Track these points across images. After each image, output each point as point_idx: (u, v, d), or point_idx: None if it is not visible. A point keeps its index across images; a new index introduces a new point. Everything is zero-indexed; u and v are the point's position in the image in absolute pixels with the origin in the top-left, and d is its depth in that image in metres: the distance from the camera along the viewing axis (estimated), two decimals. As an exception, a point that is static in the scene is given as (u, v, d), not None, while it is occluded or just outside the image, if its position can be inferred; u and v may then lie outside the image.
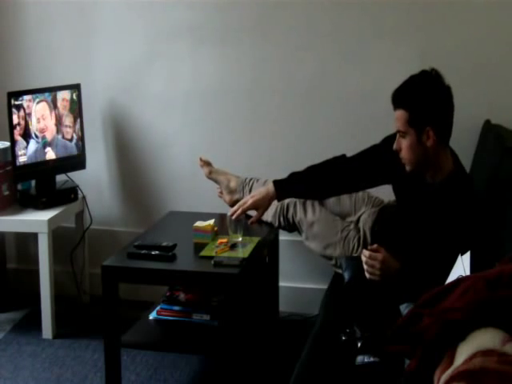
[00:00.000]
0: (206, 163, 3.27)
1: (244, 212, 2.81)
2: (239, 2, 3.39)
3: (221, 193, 3.25)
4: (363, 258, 2.35)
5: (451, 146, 2.50)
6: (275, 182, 2.80)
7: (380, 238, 2.81)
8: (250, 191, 3.12)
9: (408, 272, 2.31)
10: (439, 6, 3.21)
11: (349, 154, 2.80)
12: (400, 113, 2.39)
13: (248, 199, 2.81)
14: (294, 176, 2.81)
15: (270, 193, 2.79)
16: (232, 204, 3.06)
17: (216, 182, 3.25)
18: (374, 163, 2.69)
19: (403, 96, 2.39)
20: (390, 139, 2.52)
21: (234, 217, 2.79)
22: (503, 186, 2.45)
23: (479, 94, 3.22)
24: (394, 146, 2.45)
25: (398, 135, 2.44)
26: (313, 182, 2.81)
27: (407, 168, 2.45)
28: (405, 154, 2.43)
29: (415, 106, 2.36)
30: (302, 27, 3.35)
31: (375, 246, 2.35)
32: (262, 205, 2.81)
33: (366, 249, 2.36)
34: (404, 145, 2.41)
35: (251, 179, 3.20)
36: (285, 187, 2.80)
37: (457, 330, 1.43)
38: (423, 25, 3.24)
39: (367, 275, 2.34)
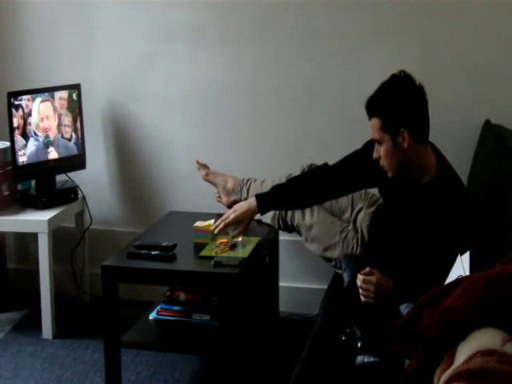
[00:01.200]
0: (203, 166, 3.26)
1: (226, 226, 2.74)
2: (239, 2, 3.39)
3: (219, 197, 3.24)
4: (358, 283, 2.33)
5: (433, 142, 2.47)
6: (257, 196, 2.75)
7: (376, 237, 2.80)
8: (248, 191, 3.12)
9: (403, 288, 2.30)
10: (439, 5, 3.21)
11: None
12: (374, 121, 2.38)
13: (230, 214, 2.75)
14: (276, 189, 2.77)
15: (251, 207, 2.73)
16: (229, 205, 3.04)
17: (213, 183, 3.24)
18: (357, 169, 2.65)
19: (374, 104, 2.38)
20: (371, 143, 2.49)
21: (216, 231, 2.76)
22: (503, 186, 2.45)
23: (479, 94, 3.22)
24: (374, 155, 2.42)
25: (375, 144, 2.42)
26: (296, 193, 2.76)
27: (389, 175, 2.42)
28: (384, 161, 2.40)
29: (386, 111, 2.35)
30: (301, 27, 3.35)
31: (368, 269, 2.33)
32: (243, 219, 2.74)
33: (360, 273, 2.34)
34: (382, 152, 2.39)
35: (249, 179, 3.19)
36: (267, 201, 2.74)
37: (457, 330, 1.43)
38: (423, 25, 3.24)
39: (363, 299, 2.32)
